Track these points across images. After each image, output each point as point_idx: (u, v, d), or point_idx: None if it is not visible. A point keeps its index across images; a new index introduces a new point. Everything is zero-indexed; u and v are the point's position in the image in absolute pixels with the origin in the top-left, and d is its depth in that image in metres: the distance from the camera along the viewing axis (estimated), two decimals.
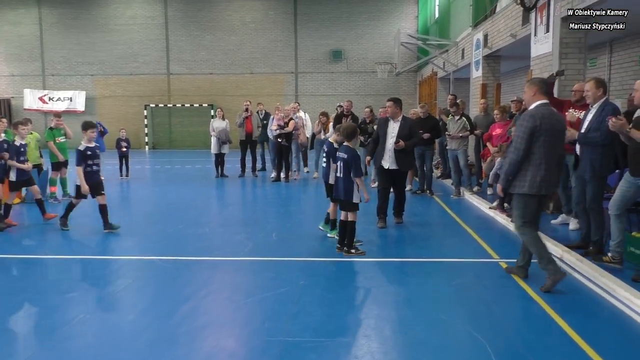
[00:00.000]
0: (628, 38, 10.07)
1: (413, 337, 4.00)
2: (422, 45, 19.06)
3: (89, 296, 5.11)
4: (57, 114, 11.24)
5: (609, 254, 5.61)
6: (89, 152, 7.41)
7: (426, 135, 10.39)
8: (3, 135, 8.25)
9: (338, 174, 6.31)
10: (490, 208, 8.97)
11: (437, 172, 13.81)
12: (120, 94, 27.09)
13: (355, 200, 6.19)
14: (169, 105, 26.88)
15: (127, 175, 14.17)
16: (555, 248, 6.30)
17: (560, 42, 8.48)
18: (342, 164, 6.23)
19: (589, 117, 5.98)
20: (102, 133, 12.83)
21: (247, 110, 13.99)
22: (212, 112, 25.36)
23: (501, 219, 8.31)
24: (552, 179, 4.96)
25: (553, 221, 8.00)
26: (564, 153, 5.16)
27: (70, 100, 26.95)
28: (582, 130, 6.00)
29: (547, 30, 8.95)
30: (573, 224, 7.47)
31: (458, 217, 8.61)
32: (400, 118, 7.85)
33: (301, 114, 14.31)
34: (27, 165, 8.21)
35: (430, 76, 21.23)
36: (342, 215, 6.39)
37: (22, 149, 8.17)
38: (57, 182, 10.43)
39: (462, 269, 5.85)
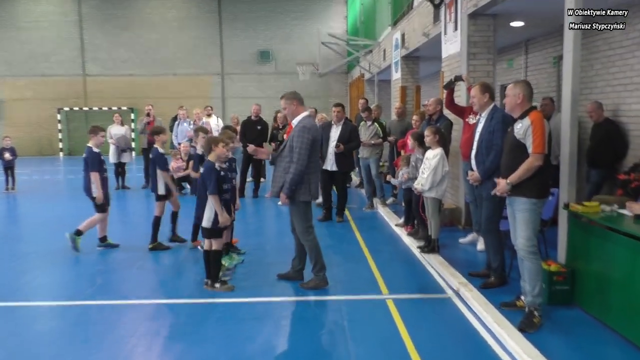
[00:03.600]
0: (542, 37, 9.50)
1: None
2: (346, 45, 18.27)
3: None
4: None
5: (525, 302, 4.45)
6: None
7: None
8: None
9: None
10: (396, 225, 8.14)
11: (356, 180, 12.98)
12: (31, 96, 25.02)
13: (206, 224, 5.17)
14: (84, 108, 25.04)
15: (13, 189, 12.61)
16: (451, 279, 5.47)
17: (468, 41, 7.75)
18: (200, 181, 5.22)
19: (479, 128, 5.20)
20: None
21: (148, 114, 12.76)
22: (133, 116, 23.82)
23: (407, 238, 7.48)
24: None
25: (461, 240, 7.24)
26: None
27: None
28: (474, 144, 5.22)
29: (456, 28, 8.22)
30: (481, 244, 6.70)
31: (360, 237, 7.72)
32: (341, 123, 8.80)
33: (212, 119, 13.13)
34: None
35: (358, 78, 20.51)
36: (205, 244, 5.36)
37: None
38: None
39: (339, 308, 4.92)
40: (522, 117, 4.41)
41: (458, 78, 7.00)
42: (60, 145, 24.90)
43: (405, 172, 7.18)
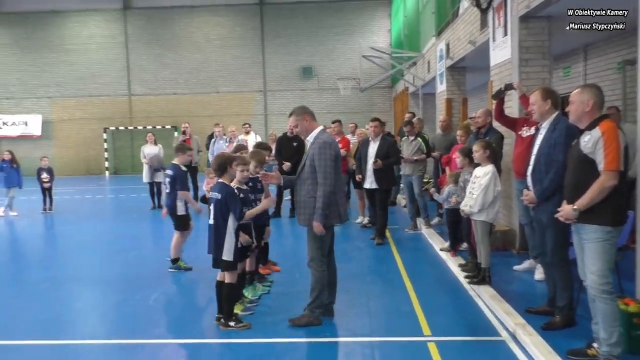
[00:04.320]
0: (602, 42, 8.60)
1: None
2: (389, 59, 17.63)
3: None
4: None
5: (600, 353, 3.71)
6: None
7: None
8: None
9: (210, 221, 4.72)
10: (441, 250, 7.39)
11: (402, 200, 12.22)
12: (78, 116, 25.51)
13: (226, 257, 4.60)
14: (129, 127, 25.30)
15: (50, 209, 12.52)
16: (506, 318, 4.69)
17: (520, 46, 6.99)
18: (214, 207, 4.66)
19: (539, 140, 4.46)
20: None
21: (184, 132, 12.47)
22: (176, 134, 23.83)
23: (453, 265, 6.72)
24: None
25: (516, 267, 6.43)
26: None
27: (26, 125, 25.35)
28: (532, 159, 4.48)
29: (506, 34, 7.46)
30: (539, 274, 5.87)
31: (401, 262, 7.01)
32: (379, 138, 8.33)
33: (250, 137, 12.70)
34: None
35: (402, 92, 19.81)
36: (218, 276, 4.80)
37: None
38: None
39: (371, 353, 4.23)
40: (590, 127, 3.67)
41: (509, 86, 6.26)
42: (107, 164, 25.18)
43: (453, 191, 6.45)
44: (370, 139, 8.54)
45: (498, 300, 5.13)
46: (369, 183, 8.37)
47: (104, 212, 12.85)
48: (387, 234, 8.69)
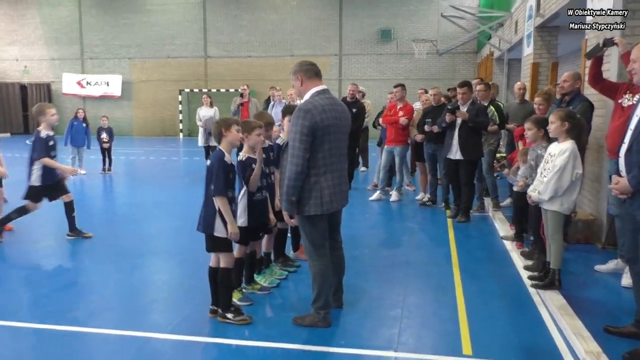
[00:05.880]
0: None
1: None
2: (474, 20, 15.95)
3: None
4: None
5: None
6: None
7: (436, 128, 7.72)
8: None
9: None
10: (503, 238, 6.21)
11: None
12: (156, 78, 25.70)
13: (218, 233, 3.81)
14: (204, 90, 25.18)
15: (109, 170, 12.39)
16: (576, 341, 3.58)
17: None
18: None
19: (638, 111, 3.26)
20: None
21: (242, 95, 11.84)
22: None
23: (517, 257, 5.57)
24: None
25: (598, 267, 5.20)
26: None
27: (107, 85, 25.95)
28: (627, 136, 3.28)
29: None
30: (627, 278, 4.63)
31: (455, 252, 5.93)
32: (469, 103, 7.30)
33: None
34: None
35: (487, 57, 18.06)
36: (211, 260, 4.03)
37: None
38: None
39: None
40: None
41: (608, 42, 4.90)
42: (181, 126, 25.33)
43: (523, 173, 5.26)
44: (459, 104, 7.41)
45: (568, 314, 3.99)
46: (453, 153, 7.30)
47: (161, 176, 12.54)
48: (447, 213, 7.64)
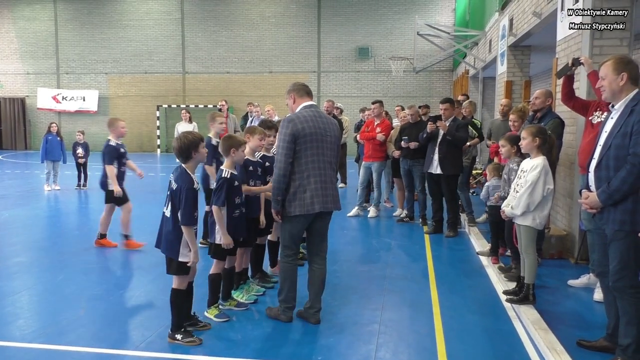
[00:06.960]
0: None
1: None
2: (450, 39, 16.27)
3: None
4: None
5: None
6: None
7: (413, 145, 7.82)
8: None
9: (165, 211, 3.92)
10: (478, 254, 6.29)
11: None
12: (134, 93, 25.55)
13: (183, 258, 3.80)
14: (182, 106, 25.05)
15: (84, 186, 12.22)
16: (548, 354, 3.62)
17: (593, 9, 5.72)
18: (168, 197, 3.86)
19: (609, 125, 3.36)
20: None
21: (220, 110, 11.86)
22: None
23: (493, 273, 5.64)
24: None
25: (571, 282, 5.29)
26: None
27: (84, 100, 25.68)
28: (596, 151, 3.38)
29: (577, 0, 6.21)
30: (599, 293, 4.72)
31: (432, 267, 5.97)
32: (450, 120, 7.37)
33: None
34: None
35: (462, 75, 18.38)
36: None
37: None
38: None
39: None
40: None
41: (576, 62, 5.08)
42: (158, 142, 25.14)
43: (495, 185, 5.35)
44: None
45: (542, 328, 4.05)
46: (434, 167, 7.42)
47: (137, 191, 12.37)
48: (424, 229, 7.70)
